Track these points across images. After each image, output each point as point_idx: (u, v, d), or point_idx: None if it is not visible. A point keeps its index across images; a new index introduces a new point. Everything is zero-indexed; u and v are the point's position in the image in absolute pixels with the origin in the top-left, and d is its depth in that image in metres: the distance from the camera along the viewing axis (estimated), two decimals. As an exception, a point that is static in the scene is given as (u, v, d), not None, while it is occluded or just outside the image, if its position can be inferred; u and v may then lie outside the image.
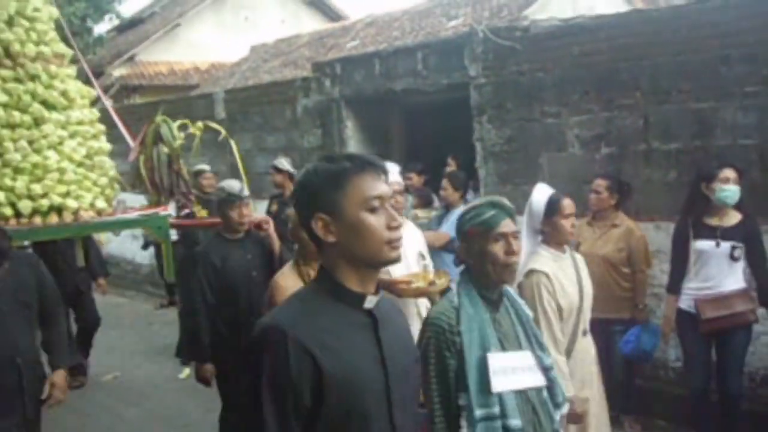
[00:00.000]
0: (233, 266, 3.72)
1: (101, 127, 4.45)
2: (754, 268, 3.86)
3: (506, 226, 2.18)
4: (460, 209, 4.01)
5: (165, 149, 4.45)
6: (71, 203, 4.04)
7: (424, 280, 3.20)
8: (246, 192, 3.79)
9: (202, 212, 4.69)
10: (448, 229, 4.64)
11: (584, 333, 2.99)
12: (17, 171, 3.95)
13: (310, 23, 15.68)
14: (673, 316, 3.97)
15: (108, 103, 5.22)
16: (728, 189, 3.72)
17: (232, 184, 3.81)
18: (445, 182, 5.17)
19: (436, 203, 5.67)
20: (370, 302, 1.48)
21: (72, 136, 4.22)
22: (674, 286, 3.97)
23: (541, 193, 3.10)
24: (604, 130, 5.06)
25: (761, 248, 3.87)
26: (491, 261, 2.14)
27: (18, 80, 4.10)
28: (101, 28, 19.67)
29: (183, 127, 4.62)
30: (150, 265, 9.38)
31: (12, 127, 3.99)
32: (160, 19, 16.75)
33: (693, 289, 3.87)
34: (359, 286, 1.47)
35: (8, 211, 3.90)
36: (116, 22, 19.40)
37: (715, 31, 4.41)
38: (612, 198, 4.36)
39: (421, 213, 5.49)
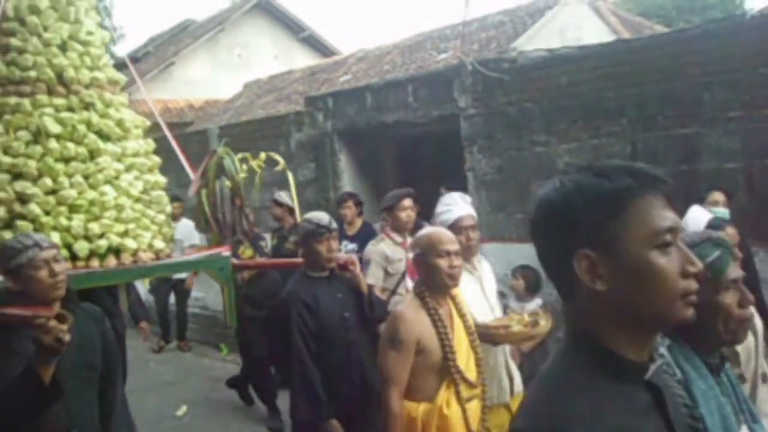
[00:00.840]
0: (327, 307, 3.33)
1: (157, 159, 4.14)
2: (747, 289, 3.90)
3: (735, 270, 1.71)
4: None
5: (228, 183, 4.14)
6: (130, 243, 3.69)
7: (519, 322, 2.95)
8: (334, 224, 3.45)
9: (247, 251, 4.32)
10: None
11: (764, 379, 2.45)
12: (73, 209, 3.60)
13: (303, 59, 15.90)
14: None
15: (167, 132, 4.79)
16: (718, 212, 3.78)
17: (320, 216, 3.45)
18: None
19: None
20: (649, 372, 1.10)
21: (128, 169, 3.89)
22: None
23: (698, 216, 3.00)
24: (592, 157, 5.14)
25: (753, 270, 3.92)
26: (723, 316, 1.67)
27: (71, 109, 3.79)
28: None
29: (243, 161, 4.38)
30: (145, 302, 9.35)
31: (66, 160, 3.66)
32: (155, 59, 16.97)
33: (690, 311, 3.90)
34: (636, 352, 1.08)
35: (64, 253, 3.43)
36: (111, 62, 19.63)
37: (696, 58, 4.53)
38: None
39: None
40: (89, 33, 4.03)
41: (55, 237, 3.46)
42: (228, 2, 19.90)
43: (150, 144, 4.13)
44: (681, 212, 3.97)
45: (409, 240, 4.41)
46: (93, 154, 3.76)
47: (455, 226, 3.33)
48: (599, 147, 5.09)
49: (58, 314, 2.32)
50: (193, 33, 17.04)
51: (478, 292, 3.33)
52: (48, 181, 3.56)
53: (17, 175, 3.55)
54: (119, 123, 3.95)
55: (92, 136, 3.77)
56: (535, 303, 4.75)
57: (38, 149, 3.61)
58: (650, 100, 4.80)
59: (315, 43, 17.32)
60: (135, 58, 18.53)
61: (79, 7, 4.00)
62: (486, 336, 2.92)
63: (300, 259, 3.74)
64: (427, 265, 2.79)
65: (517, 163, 5.62)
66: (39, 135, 3.65)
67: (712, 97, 4.48)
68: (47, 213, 3.54)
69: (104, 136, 3.84)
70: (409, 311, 2.76)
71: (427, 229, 3.00)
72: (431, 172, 7.13)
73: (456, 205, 3.52)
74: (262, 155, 4.49)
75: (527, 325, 2.96)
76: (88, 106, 3.84)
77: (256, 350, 5.39)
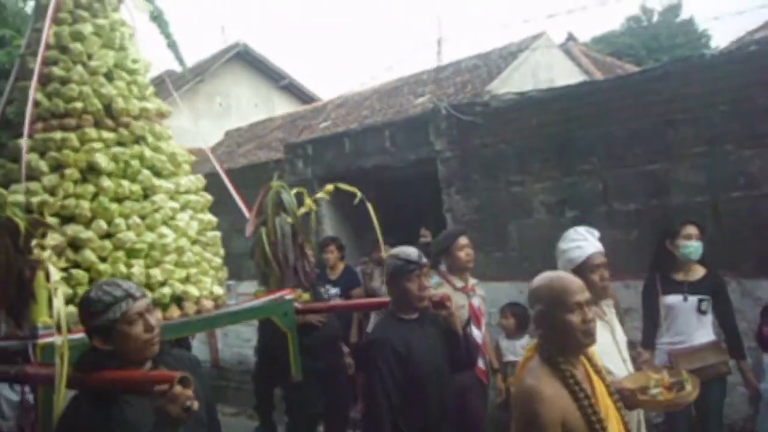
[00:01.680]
0: (419, 354, 2.92)
1: (208, 196, 3.80)
2: (722, 320, 3.99)
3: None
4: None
5: (288, 219, 3.82)
6: (193, 291, 3.34)
7: (659, 383, 2.55)
8: (425, 259, 3.09)
9: (304, 296, 3.91)
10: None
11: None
12: (131, 254, 3.23)
13: (283, 106, 16.11)
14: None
15: (218, 167, 4.44)
16: (691, 245, 3.88)
17: (409, 251, 3.08)
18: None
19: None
20: None
21: (183, 207, 3.56)
22: (648, 341, 4.06)
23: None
24: (566, 195, 5.27)
25: (727, 300, 4.01)
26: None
27: (120, 143, 3.45)
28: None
29: (298, 195, 4.09)
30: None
31: (119, 199, 3.30)
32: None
33: (666, 343, 3.96)
34: None
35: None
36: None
37: (659, 98, 4.71)
38: (579, 260, 4.50)
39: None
40: (134, 60, 3.75)
41: None
42: (207, 53, 20.22)
43: (201, 180, 3.81)
44: (658, 245, 4.06)
45: (472, 281, 4.23)
46: (147, 192, 3.43)
47: (586, 265, 3.00)
48: (572, 185, 5.22)
49: (182, 378, 1.97)
50: (173, 83, 17.20)
51: (610, 342, 2.93)
52: (102, 224, 3.19)
53: (67, 219, 3.16)
54: (171, 157, 3.63)
55: (146, 172, 3.44)
56: (525, 340, 4.81)
57: (90, 188, 3.24)
58: (618, 138, 4.96)
59: (295, 91, 17.57)
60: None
61: (124, 33, 3.75)
62: (626, 400, 2.45)
63: (368, 300, 3.59)
64: (554, 322, 2.24)
65: (494, 203, 5.74)
66: (89, 173, 3.29)
67: (676, 134, 4.65)
68: (103, 260, 3.16)
69: (157, 172, 3.53)
70: (544, 386, 2.17)
71: (545, 277, 2.37)
72: (411, 214, 7.22)
73: (585, 241, 3.15)
74: (329, 186, 4.18)
75: (670, 387, 2.53)
76: (138, 140, 3.52)
77: (310, 407, 4.76)
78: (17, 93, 3.56)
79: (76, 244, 3.12)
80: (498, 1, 42.08)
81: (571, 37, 11.84)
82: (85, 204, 3.19)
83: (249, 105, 16.52)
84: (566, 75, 9.76)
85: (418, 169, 6.43)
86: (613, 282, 4.70)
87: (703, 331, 3.92)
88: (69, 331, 2.34)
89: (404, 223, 7.23)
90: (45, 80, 3.45)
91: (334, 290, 5.66)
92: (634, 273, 4.70)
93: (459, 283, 4.11)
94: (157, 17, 4.21)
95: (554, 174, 5.34)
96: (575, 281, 2.33)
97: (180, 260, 3.37)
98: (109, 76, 3.57)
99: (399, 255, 3.04)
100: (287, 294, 3.68)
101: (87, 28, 3.58)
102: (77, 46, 3.53)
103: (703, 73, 4.58)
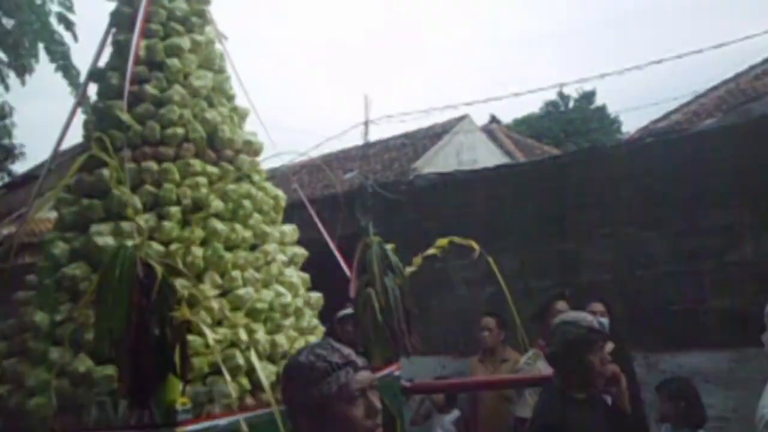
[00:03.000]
0: None
1: (302, 249, 3.18)
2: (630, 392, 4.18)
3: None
4: None
5: (397, 281, 3.32)
6: None
7: None
8: (606, 328, 2.67)
9: None
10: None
11: None
12: (252, 315, 2.58)
13: (213, 177, 16.05)
14: None
15: (316, 218, 3.85)
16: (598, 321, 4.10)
17: (586, 317, 2.62)
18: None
19: None
20: None
21: (293, 261, 3.00)
22: None
23: None
24: (486, 272, 5.48)
25: (634, 375, 4.22)
26: None
27: (221, 179, 2.81)
28: (-8, 186, 19.18)
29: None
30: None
31: (230, 247, 2.69)
32: (57, 176, 16.59)
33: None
34: None
35: (245, 382, 2.38)
36: (7, 179, 19.03)
37: (569, 182, 5.07)
38: (501, 334, 4.66)
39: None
40: (231, 86, 3.12)
41: (237, 359, 2.41)
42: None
43: (295, 230, 3.19)
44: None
45: None
46: (257, 240, 2.83)
47: None
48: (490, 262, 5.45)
49: None
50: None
51: None
52: (216, 277, 2.57)
53: (170, 269, 2.34)
54: (276, 199, 3.05)
55: (257, 216, 2.85)
56: (454, 414, 4.84)
57: (198, 232, 2.58)
58: (533, 218, 5.26)
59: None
60: (34, 176, 18.04)
61: (221, 53, 3.16)
62: None
63: (519, 376, 3.04)
64: None
65: (417, 279, 5.87)
66: (192, 214, 2.62)
67: (584, 216, 4.99)
68: (218, 323, 2.49)
69: (265, 217, 2.92)
70: None
71: None
72: (341, 289, 7.26)
73: None
74: (443, 241, 3.68)
75: None
76: (241, 178, 2.87)
77: None
78: (93, 112, 2.83)
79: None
80: (423, 84, 43.93)
81: (494, 119, 12.49)
82: (198, 251, 2.50)
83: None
84: (488, 155, 10.25)
85: (345, 244, 6.54)
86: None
87: (614, 404, 4.09)
88: (206, 416, 1.85)
89: (334, 296, 7.27)
90: (134, 100, 2.79)
91: None
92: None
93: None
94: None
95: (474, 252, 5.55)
96: None
97: (299, 325, 2.76)
98: (209, 101, 2.95)
99: (579, 322, 2.56)
100: (395, 369, 3.07)
101: (185, 43, 2.97)
102: (174, 63, 2.89)
103: (607, 161, 4.98)
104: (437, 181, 5.93)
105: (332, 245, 3.87)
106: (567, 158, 5.30)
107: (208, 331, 2.10)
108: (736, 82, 8.49)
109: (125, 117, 2.71)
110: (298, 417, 1.55)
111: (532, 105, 22.15)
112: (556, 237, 5.13)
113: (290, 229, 3.07)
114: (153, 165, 2.68)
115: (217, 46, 3.21)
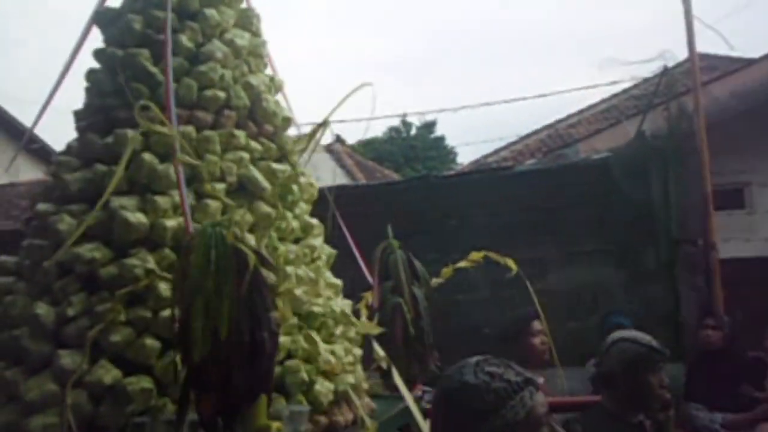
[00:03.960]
0: None
1: (332, 250, 2.71)
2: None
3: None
4: None
5: (423, 291, 2.99)
6: (362, 382, 2.35)
7: None
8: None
9: None
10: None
11: None
12: (307, 321, 2.16)
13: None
14: None
15: (344, 227, 3.30)
16: None
17: (645, 335, 2.44)
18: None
19: None
20: None
21: (336, 292, 2.48)
22: None
23: None
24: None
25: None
26: None
27: (263, 160, 2.32)
28: None
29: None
30: None
31: (280, 238, 2.25)
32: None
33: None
34: None
35: (302, 400, 2.02)
36: None
37: (403, 209, 5.31)
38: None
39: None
40: (268, 53, 2.61)
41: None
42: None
43: (320, 225, 2.63)
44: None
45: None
46: (301, 234, 2.37)
47: None
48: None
49: None
50: None
51: None
52: (270, 274, 1.98)
53: (262, 259, 1.81)
54: (310, 190, 2.52)
55: (303, 205, 2.40)
56: None
57: (248, 217, 2.12)
58: (366, 242, 5.42)
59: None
60: None
61: (258, 14, 2.61)
62: None
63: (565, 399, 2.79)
64: None
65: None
66: (237, 194, 2.17)
67: (414, 242, 5.23)
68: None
69: (307, 205, 2.51)
70: None
71: None
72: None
73: None
74: (477, 254, 3.35)
75: None
76: (282, 158, 2.36)
77: None
78: (113, 62, 2.24)
79: None
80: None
81: (338, 139, 12.72)
82: (250, 240, 2.03)
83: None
84: (330, 175, 10.44)
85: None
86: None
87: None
88: None
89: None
90: (161, 53, 2.18)
91: None
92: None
93: (538, 379, 3.48)
94: None
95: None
96: None
97: (347, 333, 2.33)
98: (249, 66, 2.45)
99: (638, 339, 2.40)
100: (418, 390, 2.76)
101: None
102: (213, 14, 2.36)
103: (437, 191, 5.30)
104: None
105: (352, 244, 3.40)
106: (403, 185, 5.55)
107: (319, 342, 1.85)
108: (555, 128, 9.48)
109: (155, 70, 2.18)
110: None
111: (375, 129, 22.88)
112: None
113: (317, 223, 2.57)
114: (192, 130, 2.15)
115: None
